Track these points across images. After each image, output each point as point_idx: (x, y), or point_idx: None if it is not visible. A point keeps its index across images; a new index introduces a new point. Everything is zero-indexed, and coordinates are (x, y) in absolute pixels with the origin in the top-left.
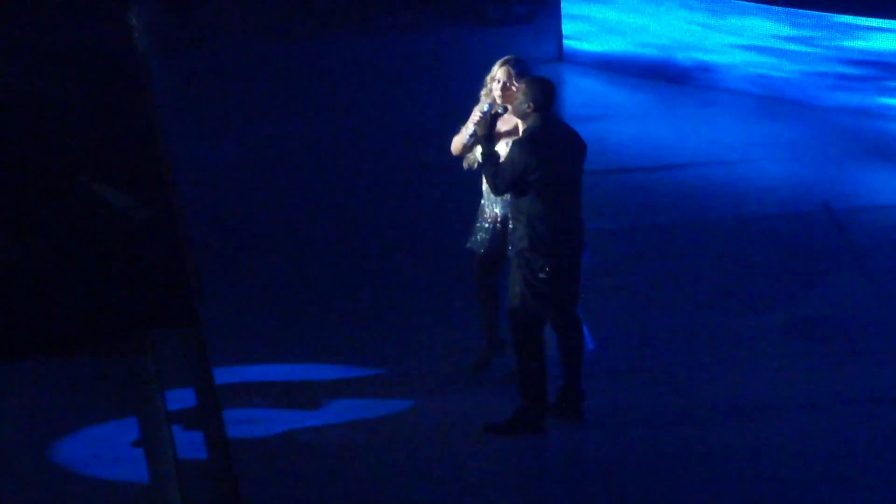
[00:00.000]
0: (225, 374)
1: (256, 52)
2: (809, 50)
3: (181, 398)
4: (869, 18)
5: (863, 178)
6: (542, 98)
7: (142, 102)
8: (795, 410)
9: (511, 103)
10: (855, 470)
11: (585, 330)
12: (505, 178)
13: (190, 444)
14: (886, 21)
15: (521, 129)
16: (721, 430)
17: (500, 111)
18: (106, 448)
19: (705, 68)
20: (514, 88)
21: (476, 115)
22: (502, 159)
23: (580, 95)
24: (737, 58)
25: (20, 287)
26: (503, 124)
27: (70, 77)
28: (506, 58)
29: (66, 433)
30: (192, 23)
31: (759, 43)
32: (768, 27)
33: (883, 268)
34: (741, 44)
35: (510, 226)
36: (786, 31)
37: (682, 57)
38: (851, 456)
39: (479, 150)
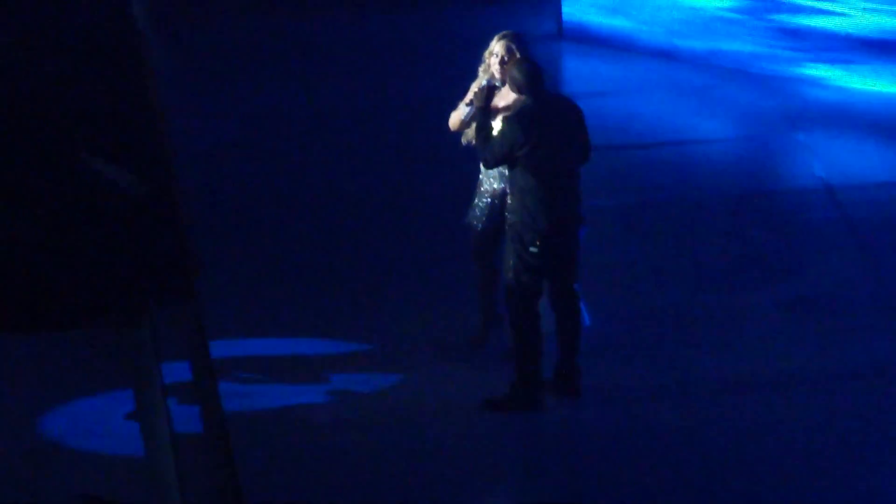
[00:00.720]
0: (221, 348)
1: (256, 29)
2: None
3: (177, 371)
4: None
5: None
6: (527, 81)
7: (141, 79)
8: (793, 386)
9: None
10: (851, 445)
11: (582, 306)
12: (494, 152)
13: (186, 417)
14: None
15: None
16: (718, 407)
17: (497, 84)
18: (100, 421)
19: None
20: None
21: (474, 89)
22: (495, 133)
23: (579, 72)
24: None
25: (19, 261)
26: (500, 99)
27: (70, 53)
28: (504, 33)
29: (60, 406)
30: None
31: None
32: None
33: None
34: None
35: (507, 200)
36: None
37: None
38: (848, 431)
39: (474, 128)
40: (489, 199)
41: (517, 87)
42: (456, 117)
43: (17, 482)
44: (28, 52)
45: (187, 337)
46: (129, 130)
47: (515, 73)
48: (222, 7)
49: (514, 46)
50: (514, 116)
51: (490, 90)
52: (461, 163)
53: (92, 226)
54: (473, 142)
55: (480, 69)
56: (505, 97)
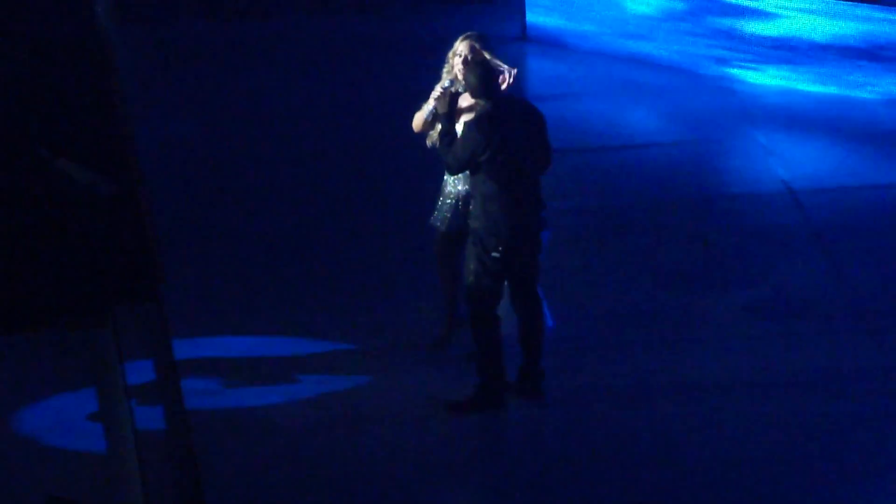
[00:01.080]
0: (186, 347)
1: (223, 28)
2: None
3: (140, 370)
4: None
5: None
6: (481, 85)
7: (105, 77)
8: (756, 389)
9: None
10: (815, 449)
11: (546, 308)
12: (457, 157)
13: (148, 416)
14: None
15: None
16: (681, 409)
17: (459, 90)
18: (63, 419)
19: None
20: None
21: (437, 91)
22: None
23: (542, 74)
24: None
25: None
26: (464, 102)
27: (32, 51)
28: (468, 33)
29: (22, 404)
30: None
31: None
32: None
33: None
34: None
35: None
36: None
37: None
38: (810, 436)
39: (438, 127)
40: (452, 201)
41: (472, 91)
42: (419, 118)
43: None
44: None
45: (151, 336)
46: (93, 129)
47: (470, 76)
48: (188, 5)
49: (477, 46)
50: (474, 121)
51: (453, 96)
52: (431, 164)
53: (55, 225)
54: (437, 144)
55: (444, 70)
56: (468, 100)
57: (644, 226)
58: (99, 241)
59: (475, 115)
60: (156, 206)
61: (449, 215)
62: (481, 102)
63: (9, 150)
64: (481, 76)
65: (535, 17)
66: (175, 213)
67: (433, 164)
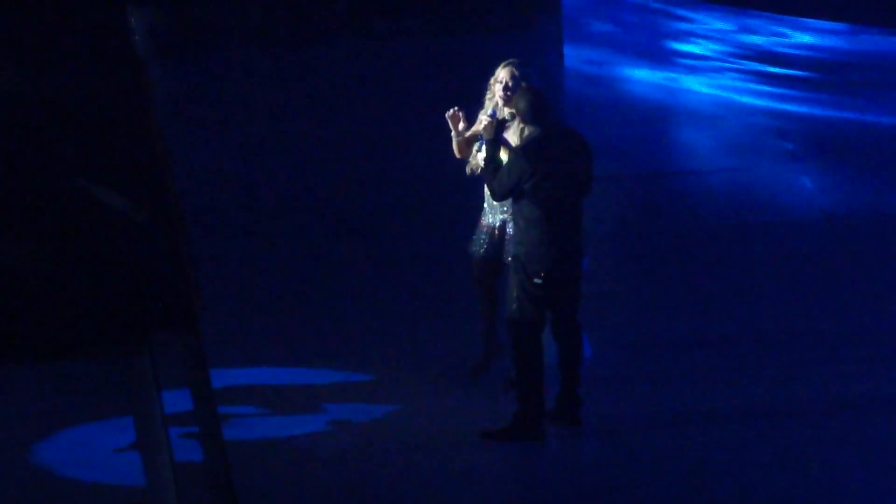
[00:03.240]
0: (221, 377)
1: (255, 56)
2: None
3: (177, 400)
4: None
5: None
6: (531, 111)
7: (141, 105)
8: (796, 417)
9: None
10: (863, 475)
11: (584, 336)
12: (503, 184)
13: (186, 446)
14: None
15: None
16: (720, 437)
17: (507, 118)
18: (97, 450)
19: None
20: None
21: (482, 117)
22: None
23: (580, 100)
24: None
25: (18, 290)
26: (510, 131)
27: (69, 79)
28: (509, 60)
29: (56, 435)
30: (191, 26)
31: None
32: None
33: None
34: None
35: (510, 230)
36: None
37: None
38: (840, 464)
39: (480, 155)
40: (488, 232)
41: (522, 117)
42: (459, 146)
43: None
44: (27, 78)
45: (188, 366)
46: (129, 157)
47: (521, 103)
48: (221, 35)
49: (518, 73)
50: (521, 148)
51: (500, 123)
52: (463, 191)
53: (91, 253)
54: (478, 171)
55: (487, 97)
56: (514, 129)
57: (681, 252)
58: (136, 269)
59: (523, 141)
60: (192, 235)
61: (486, 243)
62: (529, 129)
63: (46, 178)
64: (531, 102)
65: (573, 42)
66: (208, 241)
67: (468, 192)
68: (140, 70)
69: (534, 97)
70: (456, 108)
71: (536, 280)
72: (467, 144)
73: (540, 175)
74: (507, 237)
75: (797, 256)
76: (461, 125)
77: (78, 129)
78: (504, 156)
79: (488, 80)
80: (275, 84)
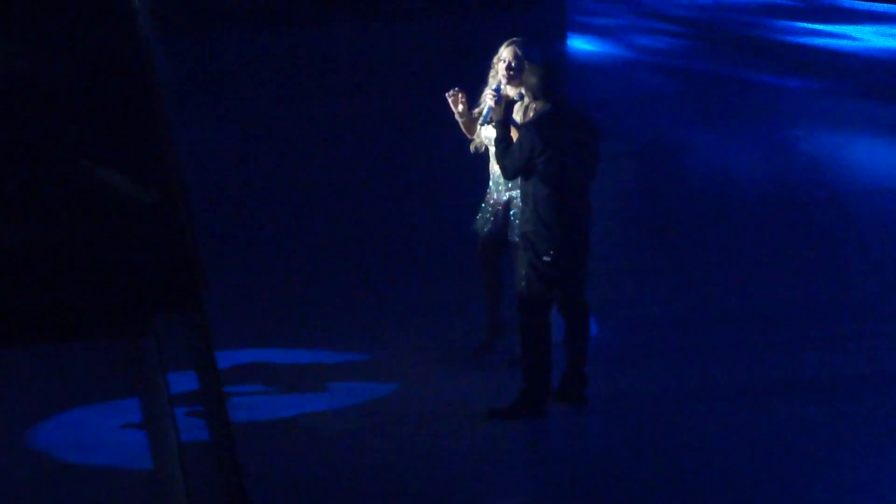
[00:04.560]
0: (226, 357)
1: (260, 38)
2: None
3: (182, 380)
4: None
5: None
6: (543, 85)
7: (146, 88)
8: (799, 394)
9: (522, 87)
10: (854, 453)
11: (590, 315)
12: (514, 160)
13: (191, 426)
14: None
15: (531, 113)
16: (725, 414)
17: (515, 98)
18: (101, 432)
19: None
20: (524, 69)
21: (486, 95)
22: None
23: (583, 79)
24: None
25: (24, 272)
26: (517, 110)
27: (74, 63)
28: (512, 39)
29: (59, 417)
30: (195, 8)
31: None
32: None
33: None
34: None
35: (516, 209)
36: None
37: None
38: (850, 440)
39: (484, 133)
40: (493, 208)
41: (532, 93)
42: (465, 124)
43: (18, 496)
44: (32, 62)
45: (193, 346)
46: (134, 139)
47: (531, 78)
48: (225, 16)
49: (521, 52)
50: (532, 123)
51: (508, 103)
52: (465, 170)
53: (97, 236)
54: (482, 149)
55: (490, 75)
56: (519, 107)
57: (686, 231)
58: (140, 250)
59: (534, 116)
60: (195, 216)
61: (491, 221)
62: (539, 104)
63: (51, 160)
64: (543, 77)
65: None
66: (212, 223)
67: (473, 171)
68: (144, 50)
69: (545, 72)
70: (455, 88)
71: (545, 258)
72: (474, 123)
73: (552, 150)
74: (511, 215)
75: (804, 232)
76: (461, 107)
77: (82, 112)
78: (513, 134)
79: (491, 60)
80: (277, 65)
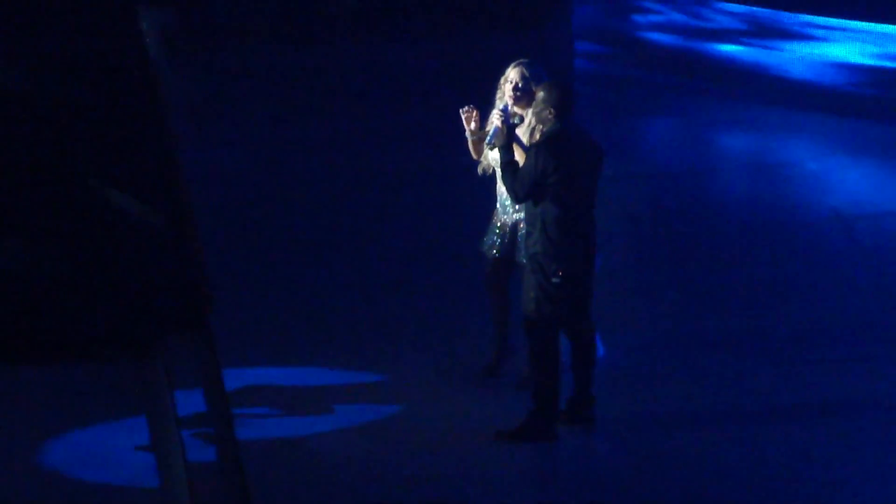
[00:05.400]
0: (234, 378)
1: (268, 57)
2: None
3: (190, 400)
4: None
5: None
6: (561, 103)
7: (153, 106)
8: (804, 416)
9: (528, 108)
10: (864, 475)
11: (597, 336)
12: (524, 183)
13: (199, 446)
14: None
15: (537, 134)
16: (733, 436)
17: (516, 121)
18: (109, 451)
19: None
20: (531, 90)
21: (495, 116)
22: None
23: (590, 100)
24: None
25: (30, 291)
26: (520, 131)
27: (80, 81)
28: (519, 60)
29: (67, 435)
30: (203, 27)
31: None
32: None
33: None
34: None
35: (523, 231)
36: None
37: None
38: (859, 464)
39: (491, 155)
40: (501, 230)
41: (544, 112)
42: (473, 145)
43: None
44: (38, 80)
45: (201, 367)
46: (141, 158)
47: (547, 96)
48: (228, 35)
49: (528, 73)
50: (543, 143)
51: (510, 126)
52: (474, 190)
53: (103, 255)
54: (489, 171)
55: (497, 96)
56: (524, 129)
57: (693, 251)
58: (148, 270)
59: (543, 138)
60: (203, 236)
61: (499, 242)
62: (550, 124)
63: (57, 179)
64: (559, 97)
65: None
66: (219, 242)
67: (480, 192)
68: (151, 68)
69: (560, 92)
70: (470, 106)
71: (555, 280)
72: (482, 144)
73: (563, 171)
74: (519, 237)
75: (808, 254)
76: (474, 124)
77: (88, 130)
78: (519, 157)
79: (497, 80)
80: (283, 84)
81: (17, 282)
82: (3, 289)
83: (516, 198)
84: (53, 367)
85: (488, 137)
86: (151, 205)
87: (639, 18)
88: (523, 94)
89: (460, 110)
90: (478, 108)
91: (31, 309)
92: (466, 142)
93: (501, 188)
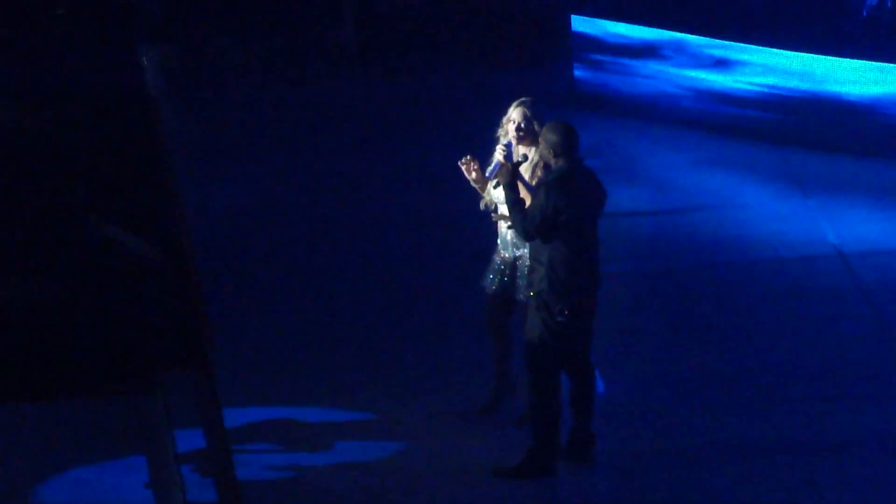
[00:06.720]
0: (233, 416)
1: (264, 93)
2: None
3: (190, 438)
4: None
5: None
6: (564, 143)
7: (153, 144)
8: (806, 451)
9: (532, 146)
10: None
11: (596, 373)
12: (534, 221)
13: (199, 484)
14: None
15: (539, 171)
16: (732, 472)
17: (520, 160)
18: (108, 490)
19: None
20: (534, 129)
21: (499, 151)
22: (528, 205)
23: (590, 137)
24: None
25: (31, 328)
26: (523, 168)
27: (82, 119)
28: (521, 99)
29: (65, 474)
30: (203, 66)
31: None
32: None
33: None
34: None
35: (528, 268)
36: None
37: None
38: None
39: (492, 193)
40: (502, 267)
41: (553, 150)
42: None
43: None
44: (40, 118)
45: (200, 404)
46: (141, 196)
47: (552, 136)
48: (229, 72)
49: (530, 113)
50: (554, 182)
51: (514, 165)
52: (474, 227)
53: (104, 292)
54: (492, 207)
55: (499, 134)
56: (526, 167)
57: (691, 289)
58: (147, 308)
59: (552, 176)
60: (203, 273)
61: (499, 279)
62: (558, 162)
63: (58, 217)
64: (565, 135)
65: (584, 75)
66: (219, 281)
67: (479, 228)
68: (151, 107)
69: (566, 131)
70: (467, 157)
71: (560, 318)
72: (487, 182)
73: (572, 209)
74: (518, 274)
75: (805, 291)
76: (474, 174)
77: (89, 169)
78: (523, 195)
79: (498, 117)
80: (284, 121)
81: (17, 318)
82: (3, 325)
83: (527, 236)
84: (54, 404)
85: (489, 170)
86: (151, 242)
87: None
88: (526, 134)
89: (459, 162)
90: (478, 145)
91: (30, 344)
92: (468, 182)
93: (502, 225)
